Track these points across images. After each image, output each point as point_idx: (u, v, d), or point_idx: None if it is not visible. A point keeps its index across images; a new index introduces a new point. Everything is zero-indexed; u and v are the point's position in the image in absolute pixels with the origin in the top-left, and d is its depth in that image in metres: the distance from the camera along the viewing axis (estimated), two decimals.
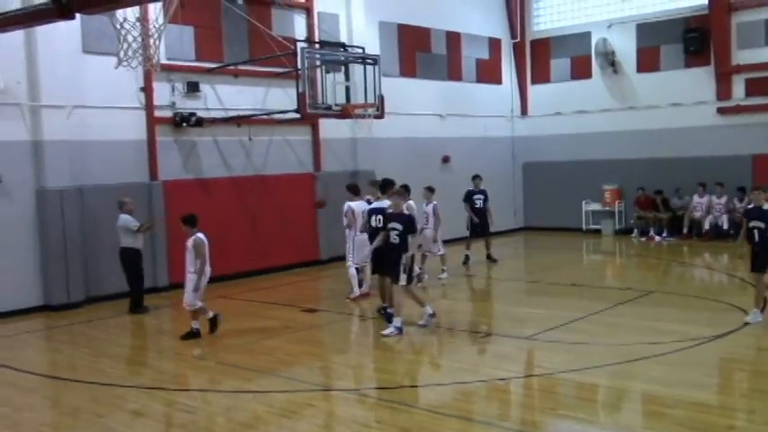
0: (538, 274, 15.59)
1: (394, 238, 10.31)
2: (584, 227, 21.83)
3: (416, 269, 13.90)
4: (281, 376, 8.80)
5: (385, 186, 11.46)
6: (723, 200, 19.13)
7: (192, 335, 10.43)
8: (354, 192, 12.92)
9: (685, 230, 19.42)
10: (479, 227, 16.45)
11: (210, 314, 10.56)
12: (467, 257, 16.44)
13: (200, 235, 10.33)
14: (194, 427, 7.23)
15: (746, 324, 9.96)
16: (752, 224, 10.17)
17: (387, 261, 10.47)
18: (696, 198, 19.45)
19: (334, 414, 7.70)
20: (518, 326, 11.08)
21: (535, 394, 8.08)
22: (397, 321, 10.31)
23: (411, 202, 13.76)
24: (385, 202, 11.13)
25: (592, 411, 7.47)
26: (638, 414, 7.37)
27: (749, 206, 10.64)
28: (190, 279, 10.31)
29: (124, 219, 12.49)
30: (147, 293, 13.05)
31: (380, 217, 11.03)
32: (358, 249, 12.43)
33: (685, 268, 16.40)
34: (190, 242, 10.27)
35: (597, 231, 21.51)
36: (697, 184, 19.32)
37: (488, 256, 16.70)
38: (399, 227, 10.27)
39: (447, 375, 8.76)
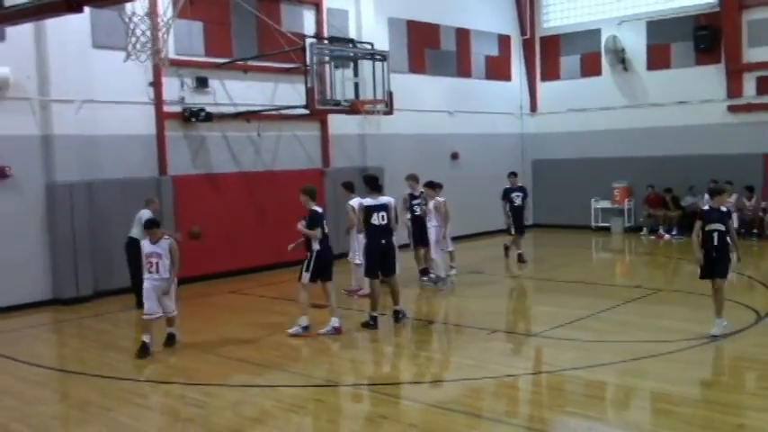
0: (547, 272, 15.54)
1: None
2: (593, 224, 21.79)
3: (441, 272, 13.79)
4: (289, 371, 8.81)
5: (373, 183, 10.95)
6: (733, 198, 18.99)
7: (145, 350, 9.54)
8: (350, 189, 12.87)
9: None
10: (517, 225, 16.04)
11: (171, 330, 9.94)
12: (520, 255, 16.06)
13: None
14: (202, 420, 7.24)
15: (714, 337, 9.27)
16: (710, 227, 9.38)
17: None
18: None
19: (341, 409, 7.70)
20: (526, 323, 11.07)
21: (543, 391, 8.06)
22: (302, 321, 10.34)
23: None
24: (383, 199, 10.81)
25: (600, 409, 7.44)
26: (646, 412, 7.34)
27: (704, 208, 9.74)
28: (169, 286, 9.61)
29: (145, 212, 12.41)
30: None
31: (383, 214, 10.68)
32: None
33: (695, 266, 16.29)
34: (162, 246, 9.54)
35: (606, 229, 21.45)
36: (709, 181, 19.16)
37: (519, 256, 16.12)
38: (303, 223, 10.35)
39: (455, 371, 8.77)
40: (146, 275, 9.58)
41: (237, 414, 7.41)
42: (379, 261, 10.76)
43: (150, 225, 9.81)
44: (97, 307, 12.85)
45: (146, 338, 9.53)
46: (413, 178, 14.16)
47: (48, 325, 12.15)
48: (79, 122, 13.37)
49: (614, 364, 8.48)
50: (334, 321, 10.36)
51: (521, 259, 16.07)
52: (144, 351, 9.46)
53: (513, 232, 16.19)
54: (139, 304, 12.40)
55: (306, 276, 10.36)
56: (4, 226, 12.65)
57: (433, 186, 13.85)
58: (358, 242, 12.50)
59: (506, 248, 16.64)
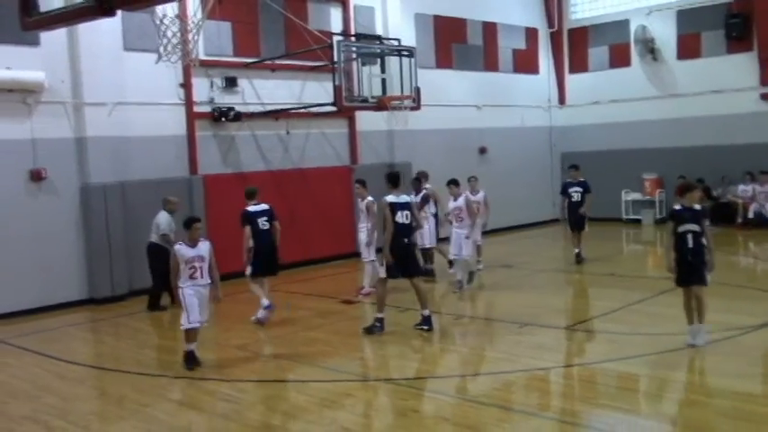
0: (578, 264, 15.44)
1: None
2: (623, 216, 21.60)
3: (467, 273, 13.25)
4: (321, 366, 8.89)
5: (396, 180, 10.43)
6: (767, 188, 18.79)
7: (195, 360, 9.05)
8: (365, 186, 12.90)
9: (747, 217, 18.90)
10: (573, 222, 15.40)
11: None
12: (577, 254, 15.29)
13: None
14: (236, 416, 7.35)
15: (692, 346, 8.60)
16: (683, 228, 8.57)
17: None
18: (741, 186, 19.14)
19: (373, 404, 7.76)
20: (557, 316, 11.02)
21: (575, 384, 8.06)
22: (264, 302, 10.93)
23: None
24: (404, 197, 10.42)
25: (632, 401, 7.42)
26: (679, 404, 7.30)
27: (677, 208, 8.76)
28: (213, 290, 9.07)
29: (163, 217, 12.45)
30: None
31: (407, 213, 10.17)
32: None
33: (728, 257, 16.11)
34: (203, 249, 8.90)
35: (637, 221, 21.27)
36: (744, 173, 19.00)
37: (577, 255, 15.32)
38: None
39: (486, 365, 8.80)
40: (188, 282, 8.80)
41: (270, 409, 7.52)
42: (401, 261, 10.15)
43: (192, 222, 9.01)
44: (132, 306, 13.03)
45: (193, 347, 8.98)
46: (422, 176, 14.13)
47: (84, 324, 12.37)
48: (112, 124, 13.57)
49: (647, 356, 8.44)
50: (264, 302, 10.88)
51: (578, 258, 15.27)
52: (193, 361, 8.95)
53: (571, 229, 15.59)
54: (151, 306, 12.50)
55: (248, 269, 11.00)
56: (40, 227, 12.89)
57: (458, 184, 13.08)
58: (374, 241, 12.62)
59: (577, 255, 15.32)
